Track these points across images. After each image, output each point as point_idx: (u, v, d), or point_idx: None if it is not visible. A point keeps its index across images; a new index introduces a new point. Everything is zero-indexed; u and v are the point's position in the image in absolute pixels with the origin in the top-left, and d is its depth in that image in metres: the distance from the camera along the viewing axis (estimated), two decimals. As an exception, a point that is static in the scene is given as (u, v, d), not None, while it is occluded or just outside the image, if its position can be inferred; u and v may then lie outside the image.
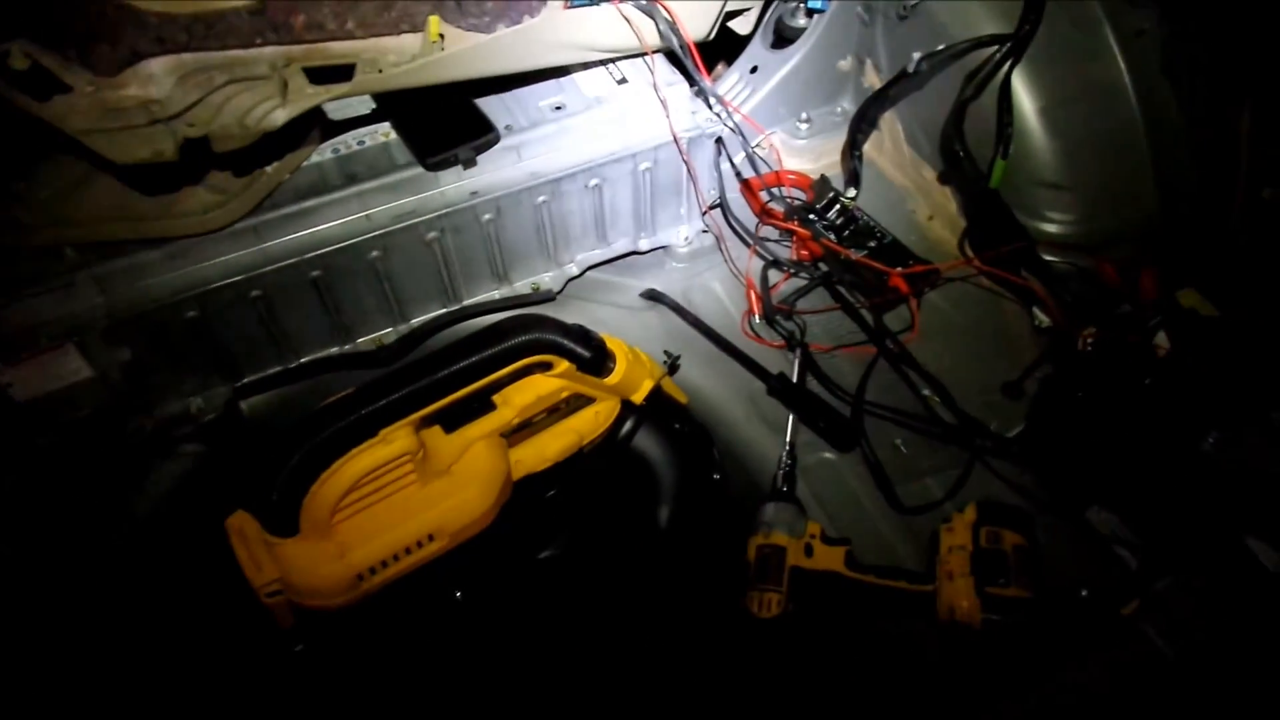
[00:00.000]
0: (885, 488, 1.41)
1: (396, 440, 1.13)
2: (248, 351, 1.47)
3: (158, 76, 1.14)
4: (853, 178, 1.70)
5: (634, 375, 1.33)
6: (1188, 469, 1.18)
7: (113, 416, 1.42)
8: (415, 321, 1.56)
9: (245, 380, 1.49)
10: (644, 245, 1.68)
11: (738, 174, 1.65)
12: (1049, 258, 1.52)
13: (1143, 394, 1.24)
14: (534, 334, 1.18)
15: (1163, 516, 1.22)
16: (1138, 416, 1.25)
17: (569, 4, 1.40)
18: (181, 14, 1.12)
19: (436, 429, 1.24)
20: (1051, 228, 1.54)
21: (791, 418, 1.47)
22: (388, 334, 1.55)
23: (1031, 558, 1.21)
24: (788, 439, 1.45)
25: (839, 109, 1.88)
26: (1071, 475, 1.34)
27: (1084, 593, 1.14)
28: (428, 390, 1.13)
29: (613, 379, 1.30)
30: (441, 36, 1.32)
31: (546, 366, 1.24)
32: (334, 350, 1.53)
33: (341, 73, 1.28)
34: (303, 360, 1.51)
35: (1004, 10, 1.49)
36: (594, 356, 1.26)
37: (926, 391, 1.48)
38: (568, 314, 1.62)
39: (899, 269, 1.56)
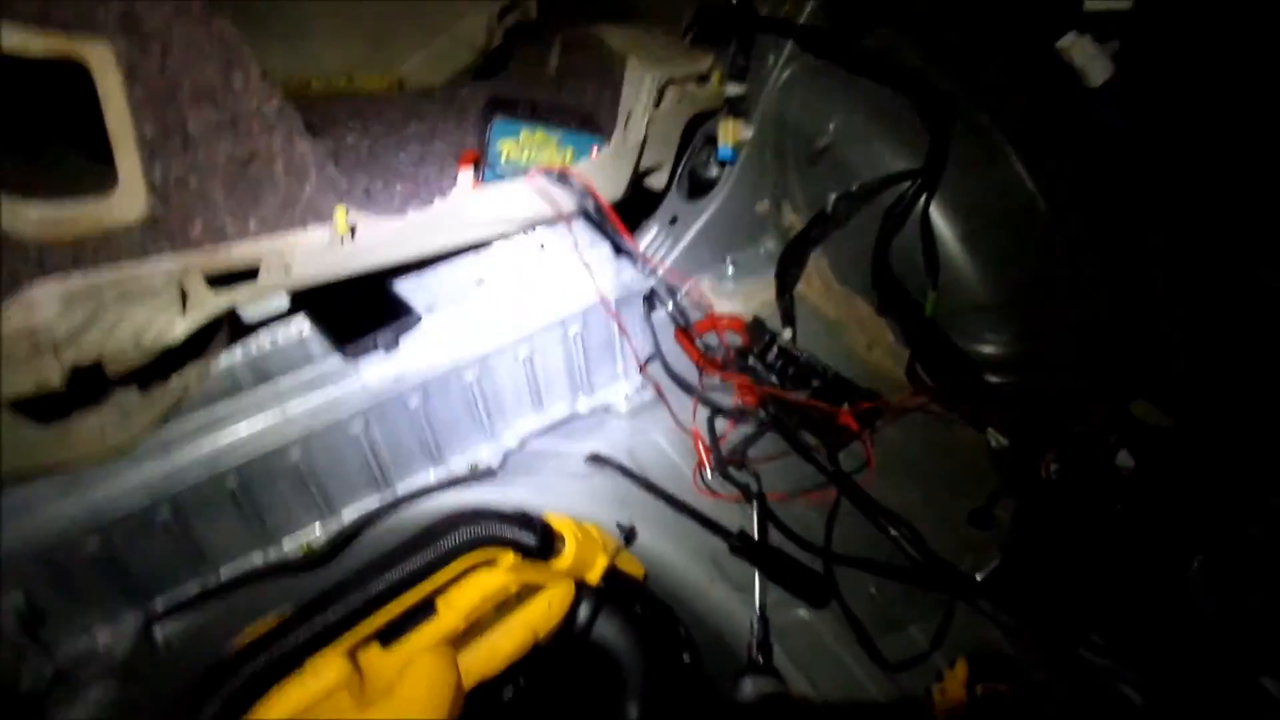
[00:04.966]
0: (867, 644, 1.32)
1: (325, 671, 1.02)
2: (159, 573, 1.33)
3: (41, 302, 1.06)
4: (787, 318, 1.68)
5: (586, 554, 1.24)
6: (1177, 598, 1.12)
7: (8, 668, 1.26)
8: (346, 517, 1.45)
9: (158, 605, 1.35)
10: (583, 408, 1.62)
11: (676, 323, 1.61)
12: (994, 379, 1.51)
13: (1116, 520, 1.19)
14: (471, 531, 1.09)
15: (1161, 651, 1.15)
16: (1115, 544, 1.19)
17: (479, 181, 1.39)
18: (63, 239, 1.06)
19: (374, 646, 1.12)
20: (989, 349, 1.53)
21: (759, 577, 1.39)
22: (316, 537, 1.43)
23: (1032, 710, 1.12)
24: (757, 602, 1.36)
25: (763, 250, 1.88)
26: (1058, 612, 1.27)
27: None
28: (357, 612, 1.03)
29: (563, 562, 1.20)
30: (352, 228, 1.28)
31: (490, 561, 1.14)
32: (258, 560, 1.40)
33: (246, 274, 1.22)
34: (223, 577, 1.37)
35: (910, 146, 1.51)
36: (540, 542, 1.16)
37: (894, 533, 1.41)
38: (510, 490, 1.55)
39: (846, 405, 1.52)
